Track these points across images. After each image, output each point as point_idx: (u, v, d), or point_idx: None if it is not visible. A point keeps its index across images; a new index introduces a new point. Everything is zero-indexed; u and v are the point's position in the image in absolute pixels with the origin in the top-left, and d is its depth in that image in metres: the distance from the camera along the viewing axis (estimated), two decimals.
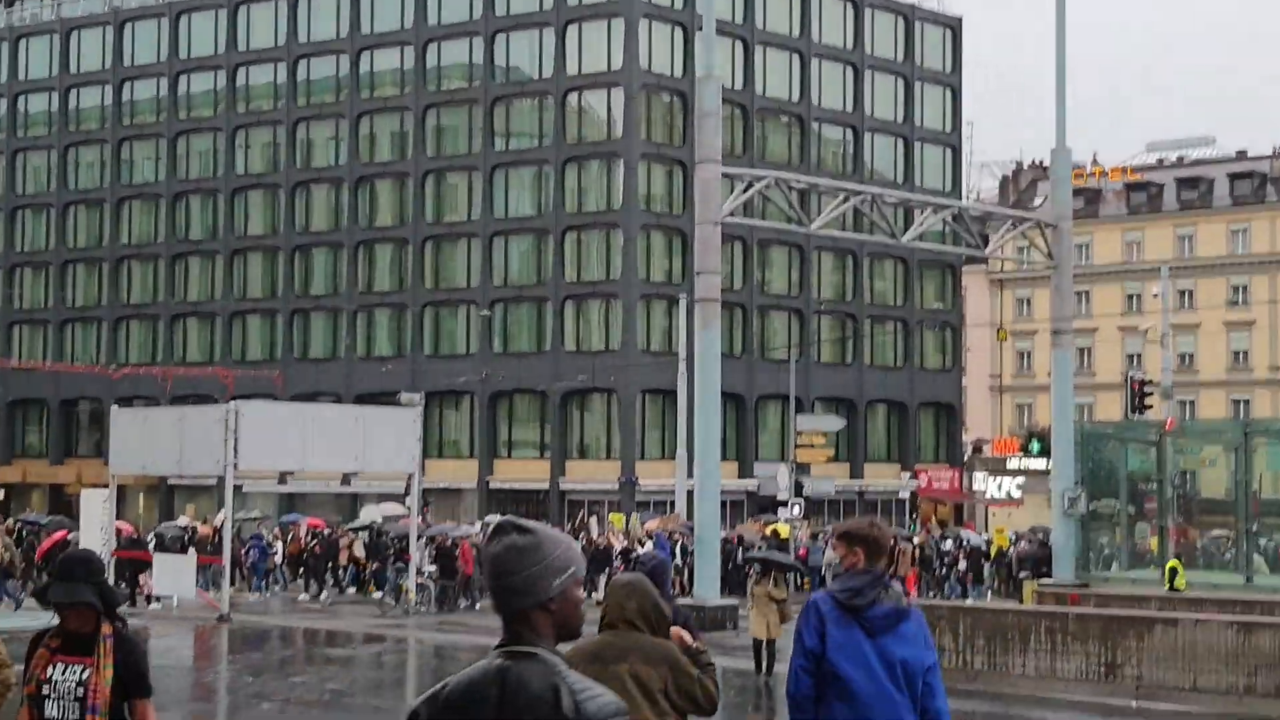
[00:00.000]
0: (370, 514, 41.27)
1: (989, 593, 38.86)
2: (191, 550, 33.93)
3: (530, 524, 3.32)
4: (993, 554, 40.59)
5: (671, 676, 5.80)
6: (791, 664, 6.08)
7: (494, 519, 46.16)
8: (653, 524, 42.90)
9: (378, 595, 34.35)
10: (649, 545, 38.72)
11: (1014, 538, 42.30)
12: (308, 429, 29.63)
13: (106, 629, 5.57)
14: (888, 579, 6.17)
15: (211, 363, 67.80)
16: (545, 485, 60.85)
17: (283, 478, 57.45)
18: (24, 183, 74.35)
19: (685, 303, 49.50)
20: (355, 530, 38.12)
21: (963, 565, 39.39)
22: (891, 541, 6.53)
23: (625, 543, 39.72)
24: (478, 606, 34.15)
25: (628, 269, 60.54)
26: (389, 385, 60.43)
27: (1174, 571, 24.50)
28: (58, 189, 72.92)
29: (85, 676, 5.52)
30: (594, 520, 45.12)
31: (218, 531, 34.61)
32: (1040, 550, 36.12)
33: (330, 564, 36.60)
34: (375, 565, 35.54)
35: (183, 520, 42.82)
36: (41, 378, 70.33)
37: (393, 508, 43.70)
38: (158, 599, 32.30)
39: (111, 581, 24.99)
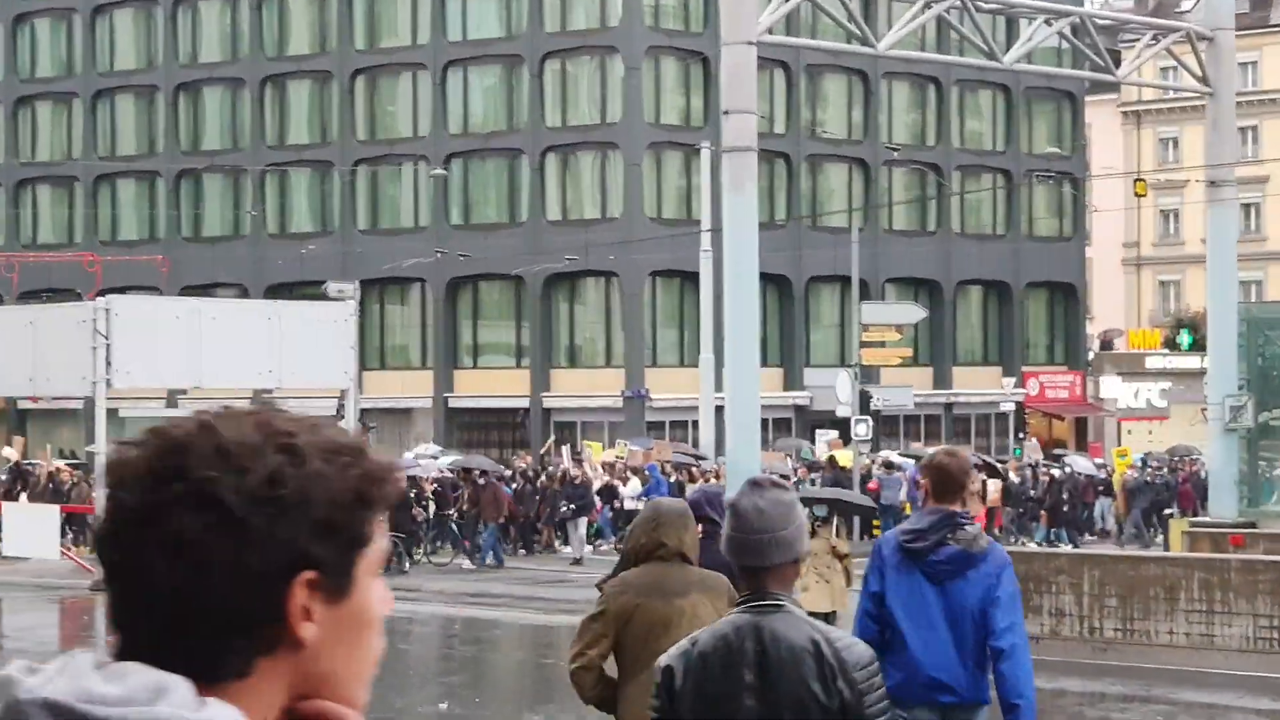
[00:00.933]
0: None
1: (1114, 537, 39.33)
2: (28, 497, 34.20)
3: (779, 479, 4.76)
4: (1117, 486, 41.07)
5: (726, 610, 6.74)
6: (858, 608, 7.26)
7: (460, 456, 46.47)
8: (637, 455, 43.31)
9: None
10: (633, 482, 39.05)
11: (1140, 462, 42.69)
12: (204, 333, 29.76)
13: None
14: (963, 518, 7.12)
15: (72, 244, 67.86)
16: (524, 402, 61.19)
17: (172, 399, 57.72)
18: None
19: (708, 154, 49.30)
20: None
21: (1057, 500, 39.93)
22: (969, 474, 7.51)
23: (606, 477, 40.04)
24: (413, 562, 34.53)
25: (630, 109, 60.29)
26: (311, 273, 60.46)
27: None
28: None
29: None
30: (565, 450, 45.54)
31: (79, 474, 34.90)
32: (1173, 480, 36.51)
33: None
34: None
35: (6, 452, 43.14)
36: None
37: None
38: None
39: None
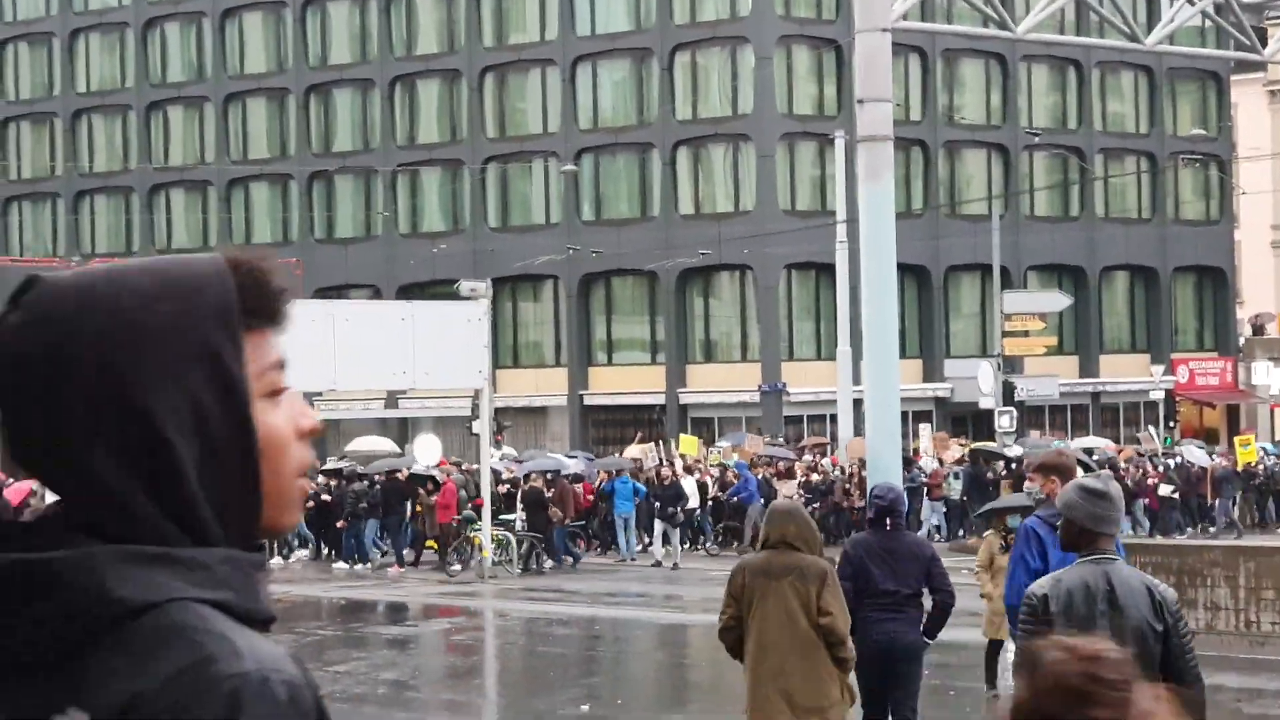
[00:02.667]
0: (423, 452, 41.55)
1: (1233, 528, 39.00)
2: None
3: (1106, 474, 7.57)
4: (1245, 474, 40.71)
5: (818, 591, 9.57)
6: (1013, 581, 8.88)
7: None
8: (725, 451, 43.03)
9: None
10: (689, 480, 38.19)
11: (1264, 452, 42.19)
12: (338, 334, 30.06)
13: None
14: None
15: (206, 248, 68.64)
16: (660, 399, 61.26)
17: (308, 401, 58.41)
18: None
19: (843, 143, 49.08)
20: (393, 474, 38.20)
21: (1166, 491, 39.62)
22: (1075, 468, 9.73)
23: (699, 474, 39.36)
24: (575, 564, 34.58)
25: (762, 99, 60.17)
26: (443, 272, 60.95)
27: None
28: None
29: None
30: (650, 449, 44.85)
31: None
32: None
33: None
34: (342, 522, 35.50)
35: None
36: None
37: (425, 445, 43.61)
38: None
39: None
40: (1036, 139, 63.67)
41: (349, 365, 30.31)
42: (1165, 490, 40.37)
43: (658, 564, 34.46)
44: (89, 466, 1.56)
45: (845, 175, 47.34)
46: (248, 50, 70.28)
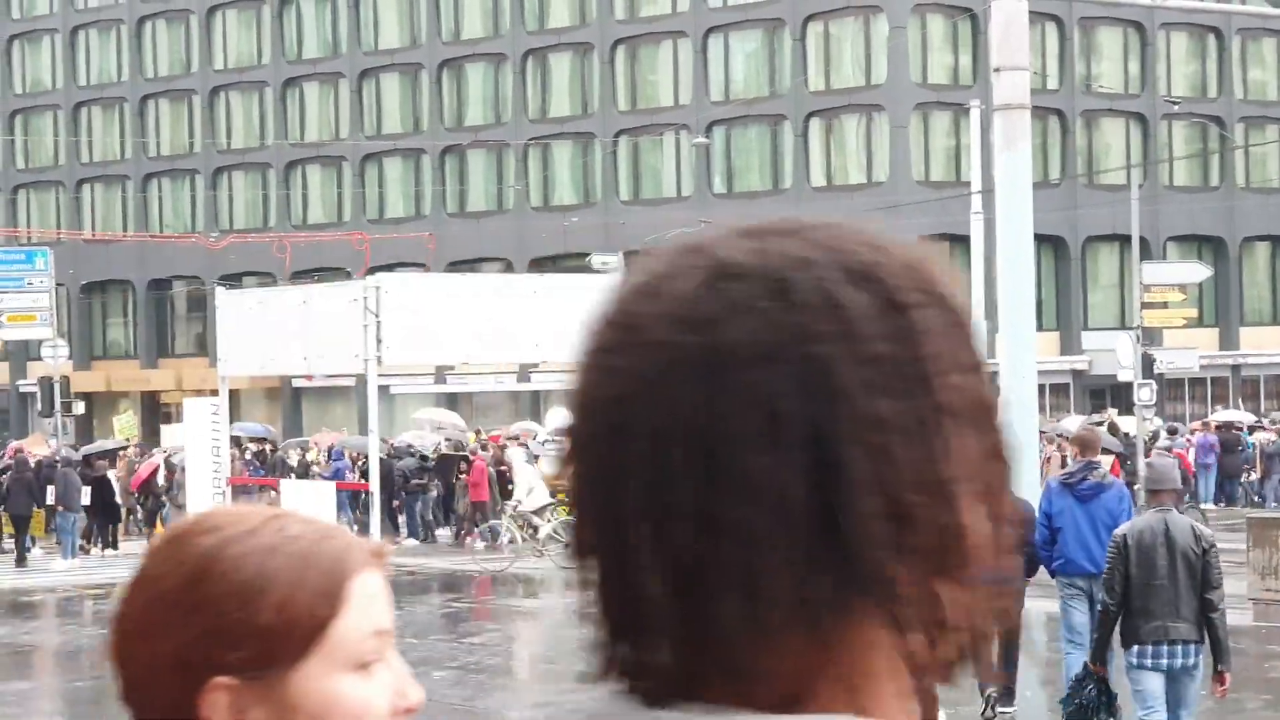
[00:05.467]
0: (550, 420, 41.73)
1: None
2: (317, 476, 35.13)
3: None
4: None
5: None
6: (1037, 522, 13.12)
7: None
8: None
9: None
10: None
11: None
12: (471, 308, 30.24)
13: None
14: (1095, 464, 13.45)
15: (341, 223, 69.62)
16: None
17: (440, 375, 58.96)
18: None
19: (978, 112, 48.63)
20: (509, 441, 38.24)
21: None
22: (1099, 441, 14.43)
23: None
24: None
25: (895, 68, 59.74)
26: (575, 245, 61.19)
27: None
28: (129, 4, 75.31)
29: None
30: None
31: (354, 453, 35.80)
32: None
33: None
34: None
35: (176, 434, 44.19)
36: (123, 252, 73.31)
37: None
38: None
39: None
40: (1176, 107, 62.70)
41: (482, 339, 30.46)
42: None
43: None
44: None
45: (981, 145, 46.93)
46: (382, 26, 70.82)
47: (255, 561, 1.50)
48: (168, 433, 52.56)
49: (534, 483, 31.35)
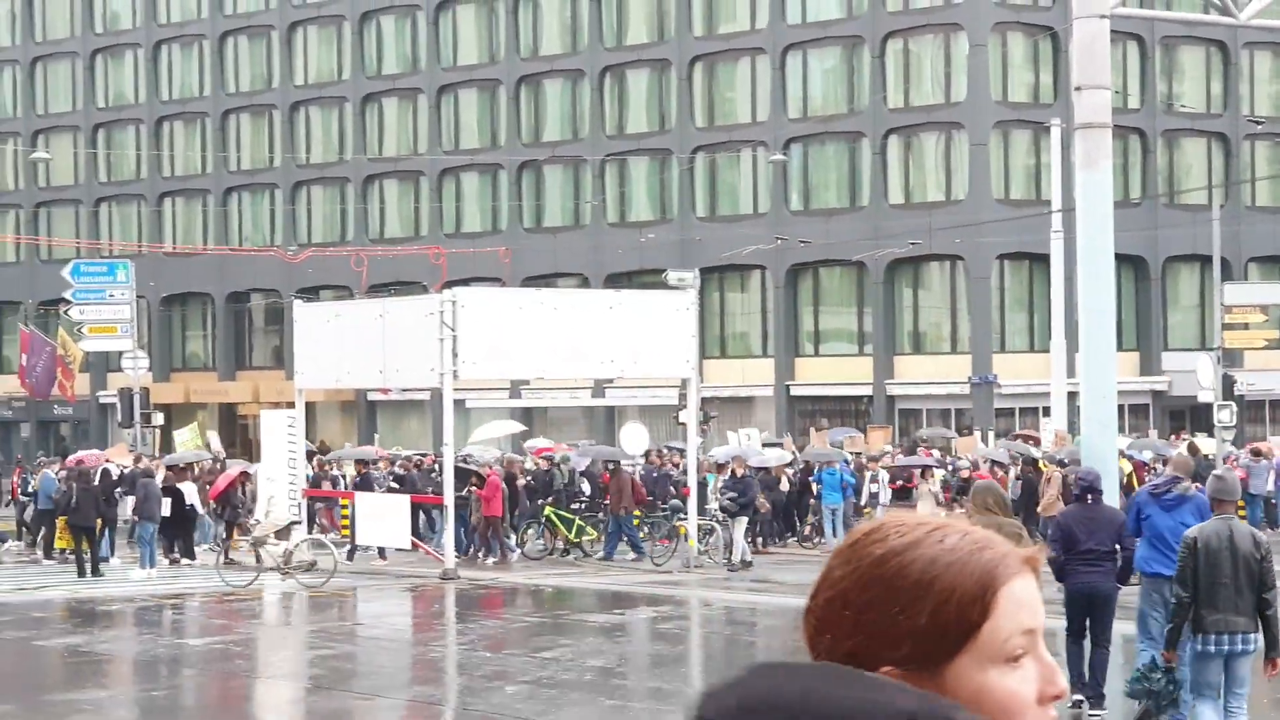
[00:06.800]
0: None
1: None
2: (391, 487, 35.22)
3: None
4: None
5: (1016, 544, 12.97)
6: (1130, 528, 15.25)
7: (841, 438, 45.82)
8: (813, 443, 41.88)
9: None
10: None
11: None
12: (547, 323, 30.29)
13: None
14: (1180, 479, 15.15)
15: (418, 237, 69.94)
16: (867, 390, 60.92)
17: (516, 389, 59.07)
18: (169, 11, 77.79)
19: (1058, 131, 48.34)
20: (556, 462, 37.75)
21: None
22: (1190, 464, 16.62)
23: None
24: (639, 555, 33.80)
25: (975, 86, 59.47)
26: (651, 261, 61.20)
27: None
28: (212, 15, 75.99)
29: None
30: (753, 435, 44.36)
31: (429, 462, 35.92)
32: None
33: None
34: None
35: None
36: (202, 265, 73.92)
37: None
38: (362, 550, 33.77)
39: (305, 528, 26.08)
40: (1259, 127, 62.14)
41: (558, 354, 30.52)
42: None
43: (745, 564, 32.02)
44: None
45: (1061, 164, 46.65)
46: (461, 42, 71.16)
47: (917, 570, 1.74)
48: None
49: (273, 504, 30.78)
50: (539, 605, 27.36)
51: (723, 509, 32.25)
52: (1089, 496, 15.22)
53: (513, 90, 69.25)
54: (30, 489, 40.17)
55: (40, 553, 36.18)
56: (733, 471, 33.44)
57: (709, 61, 65.44)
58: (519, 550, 33.86)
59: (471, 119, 71.19)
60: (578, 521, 34.20)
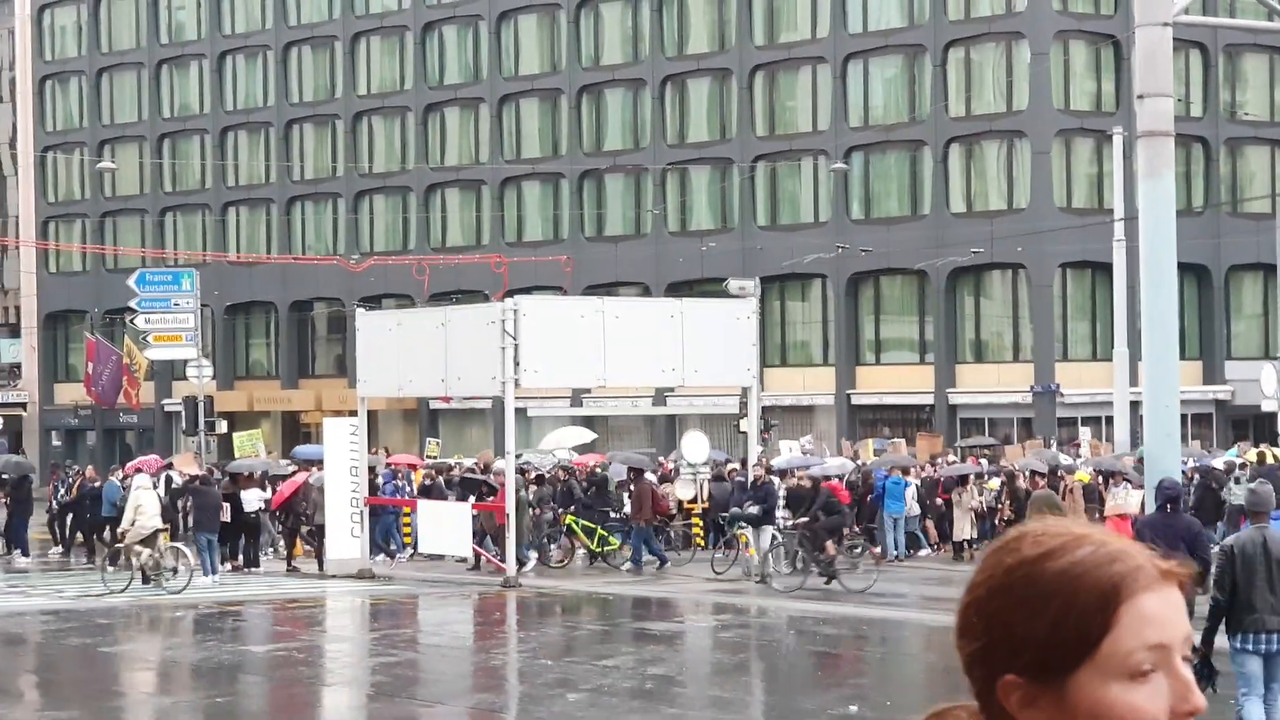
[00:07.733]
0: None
1: None
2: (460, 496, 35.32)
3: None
4: None
5: None
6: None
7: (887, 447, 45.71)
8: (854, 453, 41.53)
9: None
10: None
11: None
12: (608, 331, 30.31)
13: None
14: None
15: (479, 246, 70.13)
16: (928, 399, 60.70)
17: (577, 398, 59.17)
18: (234, 23, 78.32)
19: (1121, 140, 48.08)
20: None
21: None
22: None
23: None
24: (661, 566, 33.58)
25: (1038, 95, 59.22)
26: (712, 270, 61.16)
27: None
28: (275, 26, 76.47)
29: None
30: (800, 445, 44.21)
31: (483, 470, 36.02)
32: None
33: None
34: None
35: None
36: (266, 274, 74.35)
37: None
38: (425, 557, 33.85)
39: (366, 539, 26.09)
40: None
41: (619, 362, 30.53)
42: None
43: (762, 578, 31.29)
44: None
45: (1123, 172, 46.42)
46: (522, 52, 71.36)
47: (1044, 581, 1.76)
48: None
49: (140, 512, 30.71)
50: (601, 613, 27.37)
51: (745, 518, 31.61)
52: (1168, 506, 15.93)
53: (574, 99, 69.39)
54: (62, 495, 40.57)
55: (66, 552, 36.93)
56: (755, 479, 32.55)
57: (770, 70, 65.40)
58: (534, 559, 33.44)
59: (533, 128, 71.36)
60: (600, 531, 34.19)
